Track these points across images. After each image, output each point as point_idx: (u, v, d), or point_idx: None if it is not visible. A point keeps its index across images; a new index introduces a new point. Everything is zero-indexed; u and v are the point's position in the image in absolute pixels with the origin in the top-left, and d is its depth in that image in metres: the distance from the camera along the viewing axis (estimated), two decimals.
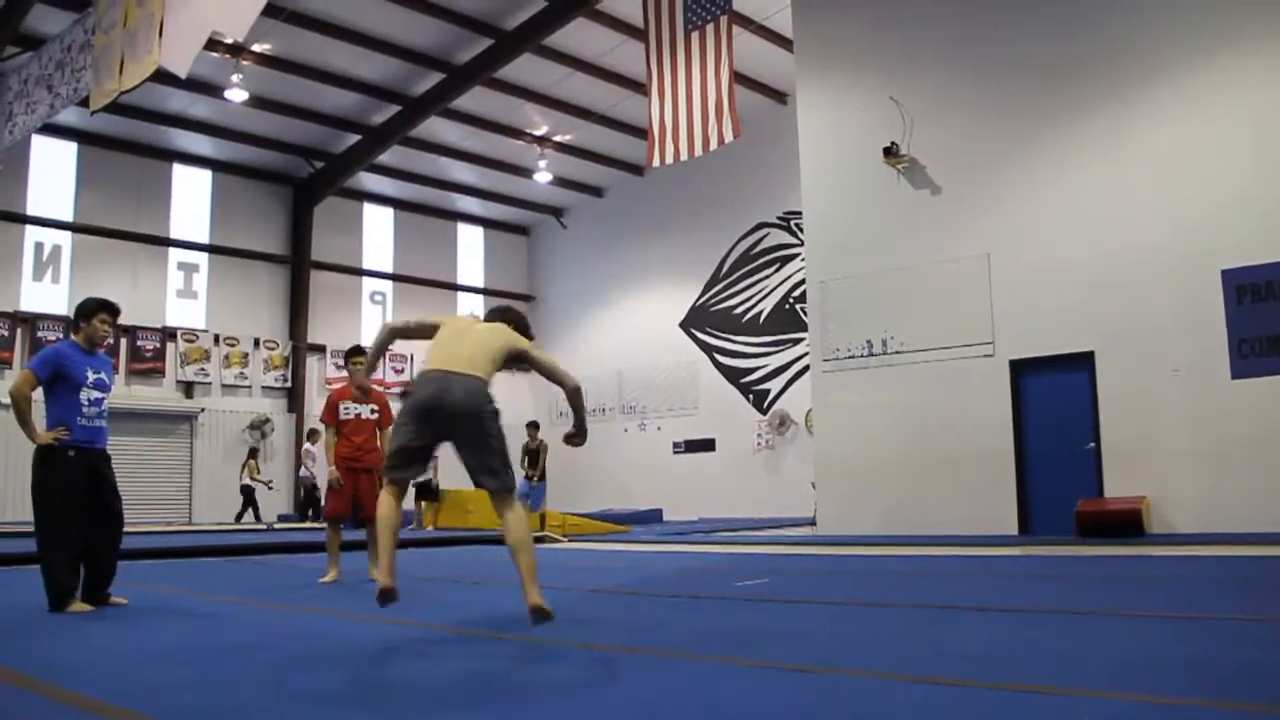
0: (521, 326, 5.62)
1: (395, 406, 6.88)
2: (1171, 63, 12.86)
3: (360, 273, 26.44)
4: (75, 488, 6.26)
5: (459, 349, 5.21)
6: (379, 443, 9.02)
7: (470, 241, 28.84)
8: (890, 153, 14.53)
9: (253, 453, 21.39)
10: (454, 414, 5.02)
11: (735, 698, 3.58)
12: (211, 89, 20.07)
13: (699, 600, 7.00)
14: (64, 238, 21.67)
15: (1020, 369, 13.69)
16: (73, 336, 6.79)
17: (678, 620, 5.95)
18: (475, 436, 5.07)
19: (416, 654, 4.75)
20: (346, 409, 8.98)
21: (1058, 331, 13.30)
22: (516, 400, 27.66)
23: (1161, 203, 12.68)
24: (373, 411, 9.06)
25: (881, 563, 10.14)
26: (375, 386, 8.48)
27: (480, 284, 28.73)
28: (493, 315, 5.74)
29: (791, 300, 23.02)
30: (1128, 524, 12.05)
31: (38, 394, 6.39)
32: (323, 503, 12.26)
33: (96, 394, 6.60)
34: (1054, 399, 13.46)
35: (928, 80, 14.76)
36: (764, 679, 3.94)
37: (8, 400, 6.93)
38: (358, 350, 9.26)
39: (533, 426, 18.46)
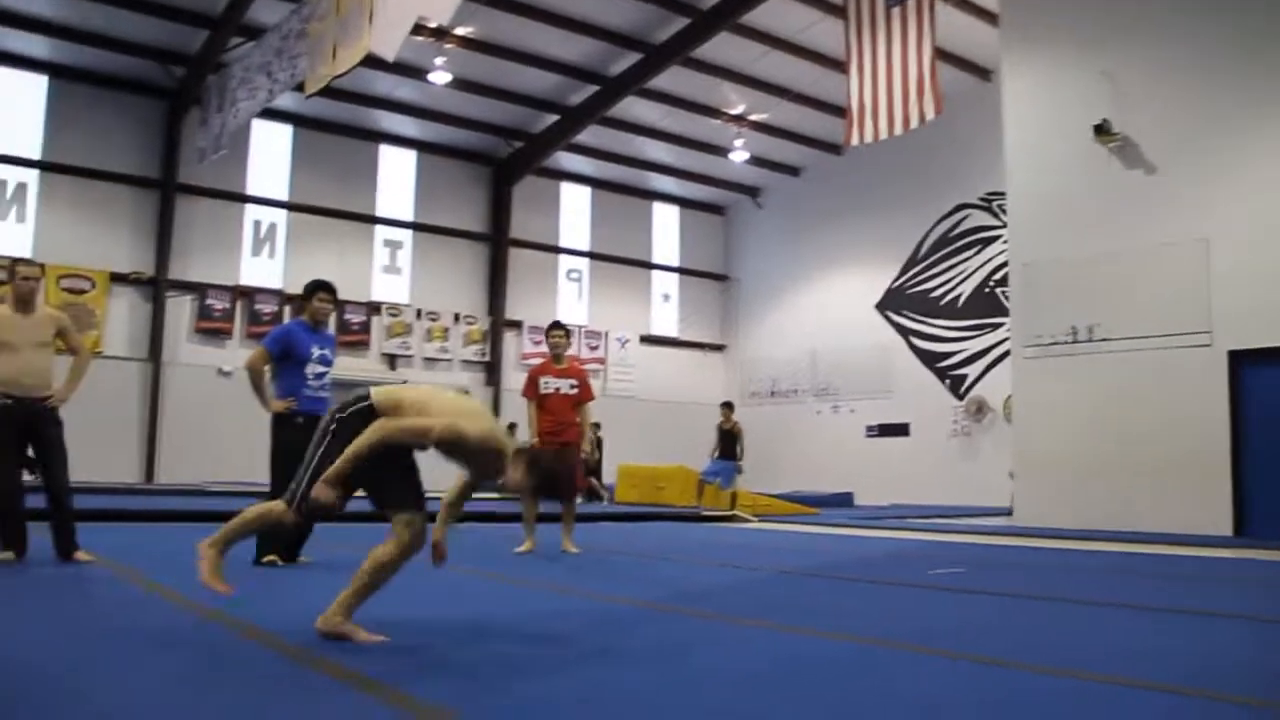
0: None
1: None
2: None
3: (557, 250, 26.85)
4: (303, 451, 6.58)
5: None
6: (578, 418, 9.16)
7: (666, 221, 28.94)
8: (1101, 130, 13.88)
9: None
10: None
11: (920, 688, 3.48)
12: (416, 72, 20.66)
13: (893, 587, 6.86)
14: (279, 216, 22.73)
15: (1240, 360, 12.91)
16: (301, 316, 7.26)
17: (868, 606, 5.83)
18: None
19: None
20: (546, 384, 9.15)
21: None
22: (710, 381, 27.76)
23: None
24: (572, 387, 9.19)
25: (1084, 558, 9.76)
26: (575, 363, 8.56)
27: (675, 263, 28.84)
28: None
29: (992, 284, 22.35)
30: None
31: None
32: None
33: (320, 368, 7.12)
34: (1278, 393, 12.65)
35: (1142, 53, 14.02)
36: (956, 671, 3.82)
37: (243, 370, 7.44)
38: (558, 325, 9.45)
39: (726, 407, 18.36)
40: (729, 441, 17.71)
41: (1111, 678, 3.70)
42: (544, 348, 9.89)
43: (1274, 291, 12.56)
